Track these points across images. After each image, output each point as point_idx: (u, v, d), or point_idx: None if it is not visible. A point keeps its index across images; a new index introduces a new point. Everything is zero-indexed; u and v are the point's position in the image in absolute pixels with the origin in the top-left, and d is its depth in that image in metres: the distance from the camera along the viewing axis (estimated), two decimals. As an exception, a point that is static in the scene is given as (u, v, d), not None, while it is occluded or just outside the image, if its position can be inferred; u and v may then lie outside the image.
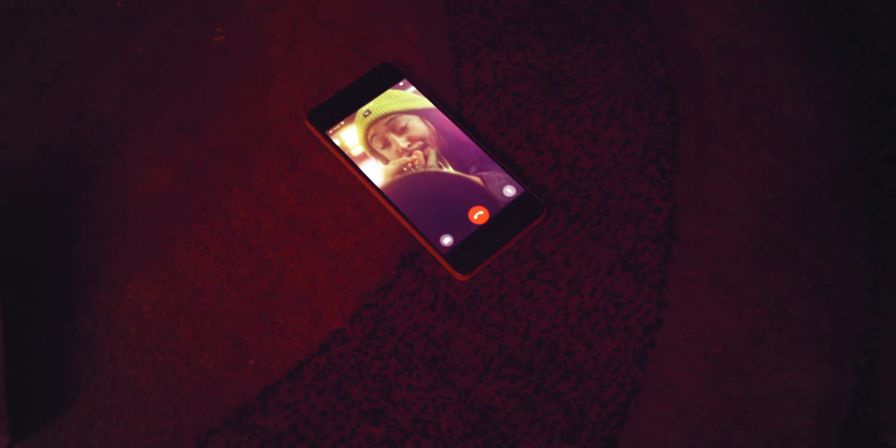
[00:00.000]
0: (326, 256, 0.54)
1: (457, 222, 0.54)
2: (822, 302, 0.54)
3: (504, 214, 0.55)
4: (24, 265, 0.53)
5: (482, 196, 0.55)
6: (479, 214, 0.55)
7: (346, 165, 0.57)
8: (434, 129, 0.58)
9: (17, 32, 0.62)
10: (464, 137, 0.57)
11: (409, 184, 0.56)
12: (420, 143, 0.57)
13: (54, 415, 0.49)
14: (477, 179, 0.56)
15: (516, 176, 0.57)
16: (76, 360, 0.51)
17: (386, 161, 0.56)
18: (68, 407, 0.50)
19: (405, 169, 0.56)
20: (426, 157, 0.57)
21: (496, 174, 0.56)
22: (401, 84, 0.60)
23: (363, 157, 0.57)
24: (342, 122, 0.58)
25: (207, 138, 0.58)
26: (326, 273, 0.54)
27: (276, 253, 0.54)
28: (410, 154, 0.57)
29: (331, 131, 0.58)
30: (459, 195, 0.55)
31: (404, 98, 0.59)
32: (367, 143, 0.57)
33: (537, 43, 0.62)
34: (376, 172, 0.56)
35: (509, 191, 0.56)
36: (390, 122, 0.58)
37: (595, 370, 0.51)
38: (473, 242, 0.54)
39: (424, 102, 0.59)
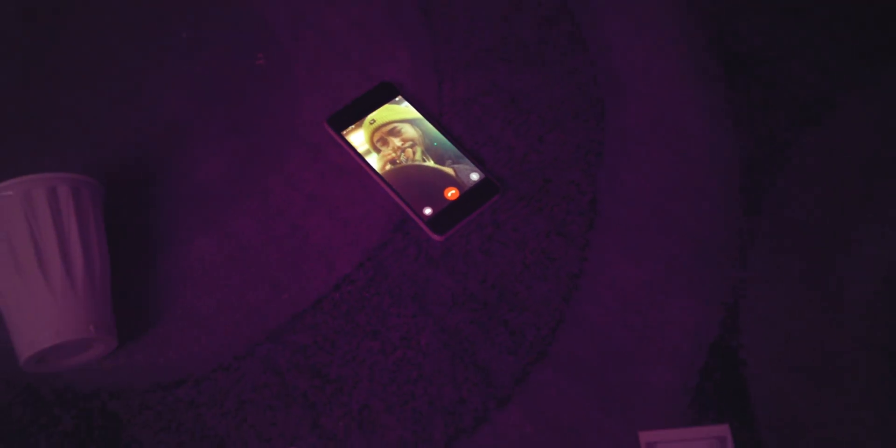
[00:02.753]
0: (340, 222, 0.77)
1: (435, 198, 0.77)
2: (703, 260, 0.76)
3: (470, 193, 0.77)
4: (119, 227, 0.76)
5: (454, 180, 0.78)
6: (451, 193, 0.77)
7: (354, 158, 0.80)
8: (421, 132, 0.81)
9: (108, 57, 0.85)
10: (442, 138, 0.80)
11: (402, 171, 0.78)
12: (410, 142, 0.80)
13: (141, 331, 0.72)
14: (450, 170, 0.79)
15: (480, 166, 0.79)
16: (159, 293, 0.73)
17: (385, 155, 0.79)
18: (153, 325, 0.72)
19: (398, 161, 0.79)
20: (414, 153, 0.79)
21: (465, 165, 0.79)
22: (397, 99, 0.83)
23: (368, 152, 0.79)
24: (353, 126, 0.81)
25: (251, 136, 0.81)
26: (339, 234, 0.76)
27: (302, 220, 0.77)
28: (403, 151, 0.79)
29: (344, 132, 0.81)
30: (437, 180, 0.78)
31: (399, 110, 0.82)
32: (372, 142, 0.80)
33: (501, 67, 0.85)
34: (378, 163, 0.79)
35: (474, 176, 0.78)
36: (389, 127, 0.81)
37: (532, 305, 0.74)
38: (447, 213, 0.76)
39: (414, 113, 0.82)
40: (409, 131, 0.80)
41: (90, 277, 0.66)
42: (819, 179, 0.79)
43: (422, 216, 0.76)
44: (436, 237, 0.75)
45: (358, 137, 0.80)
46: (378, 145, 0.79)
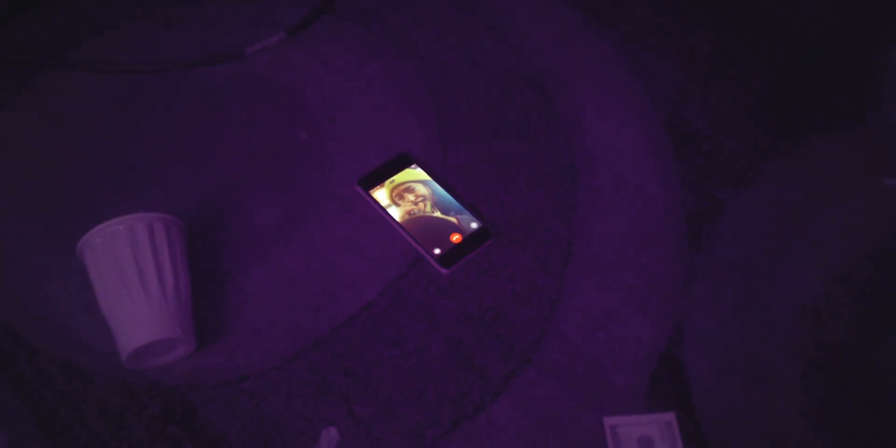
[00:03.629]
0: (367, 260, 0.98)
1: (442, 241, 0.99)
2: (655, 289, 0.97)
3: (470, 237, 0.99)
4: (197, 259, 0.97)
5: (457, 228, 1.00)
6: (455, 237, 1.00)
7: (378, 210, 1.02)
8: (431, 191, 1.03)
9: (185, 133, 1.09)
10: (447, 195, 1.03)
11: (416, 220, 1.00)
12: (422, 198, 1.03)
13: (212, 341, 0.92)
14: (454, 219, 1.01)
15: (478, 217, 1.02)
16: (227, 311, 0.94)
17: (403, 208, 1.02)
18: (222, 336, 0.93)
19: (413, 213, 1.01)
20: (425, 206, 1.02)
21: (466, 216, 1.01)
22: (412, 166, 1.06)
23: (389, 205, 1.02)
24: (377, 186, 1.04)
25: (296, 193, 1.04)
26: (366, 269, 0.98)
27: (337, 258, 0.99)
28: (417, 204, 1.02)
29: (371, 191, 1.03)
30: (444, 227, 1.00)
31: (414, 173, 1.05)
32: (392, 198, 1.03)
33: (494, 141, 1.09)
34: (397, 214, 1.01)
35: (473, 225, 1.01)
36: (405, 186, 1.04)
37: (519, 323, 0.94)
38: (452, 253, 0.98)
39: (425, 176, 1.05)
40: (422, 189, 1.03)
41: (177, 292, 0.87)
42: (748, 228, 1.01)
43: (432, 255, 0.97)
44: (443, 271, 0.97)
45: (381, 195, 1.02)
46: (397, 200, 1.02)
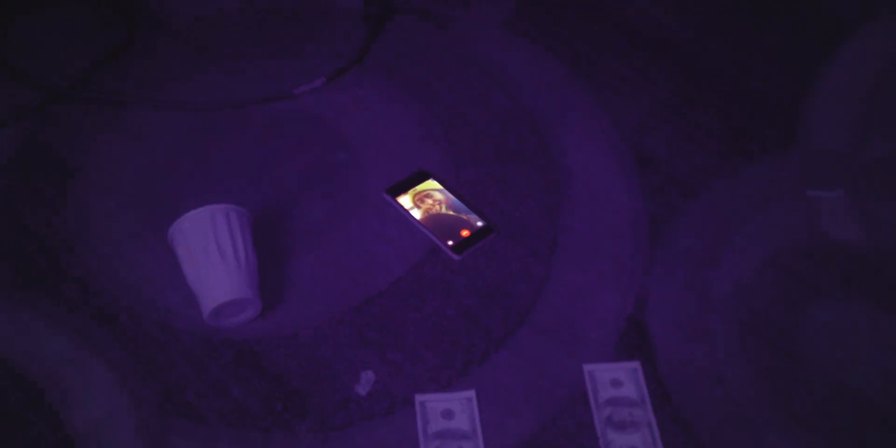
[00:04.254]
0: (395, 248, 1.25)
1: (455, 235, 1.26)
2: (624, 271, 1.24)
3: (476, 232, 1.27)
4: (262, 246, 1.24)
5: (467, 224, 1.28)
6: (464, 232, 1.27)
7: (402, 212, 1.30)
8: (445, 196, 1.31)
9: (248, 152, 1.37)
10: (458, 201, 1.31)
11: (433, 218, 1.28)
12: (438, 202, 1.31)
13: (273, 306, 1.18)
14: (464, 217, 1.29)
15: (482, 217, 1.29)
16: (285, 284, 1.20)
17: (423, 209, 1.29)
18: (281, 302, 1.19)
19: (430, 212, 1.29)
20: (440, 208, 1.30)
21: (473, 216, 1.29)
22: (429, 179, 1.34)
23: (412, 208, 1.30)
24: (402, 194, 1.32)
25: (338, 199, 1.31)
26: (396, 255, 1.24)
27: (372, 247, 1.25)
28: (433, 207, 1.30)
29: (396, 198, 1.31)
30: (456, 223, 1.28)
31: (431, 184, 1.33)
32: (414, 202, 1.31)
33: (494, 162, 1.38)
34: (418, 215, 1.29)
35: (479, 223, 1.28)
36: (425, 193, 1.32)
37: (516, 295, 1.20)
38: (462, 243, 1.25)
39: (440, 186, 1.33)
40: (438, 195, 1.31)
41: (247, 265, 1.14)
42: (696, 227, 1.29)
43: (446, 245, 1.25)
44: (455, 257, 1.24)
45: (405, 200, 1.30)
46: (418, 203, 1.30)
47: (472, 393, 1.09)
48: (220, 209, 1.15)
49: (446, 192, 1.30)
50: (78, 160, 1.34)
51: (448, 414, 1.07)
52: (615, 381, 1.12)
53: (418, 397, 1.08)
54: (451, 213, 1.28)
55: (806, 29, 1.59)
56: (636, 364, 1.13)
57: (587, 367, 1.13)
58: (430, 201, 1.29)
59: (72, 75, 1.43)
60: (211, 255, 1.12)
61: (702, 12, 1.60)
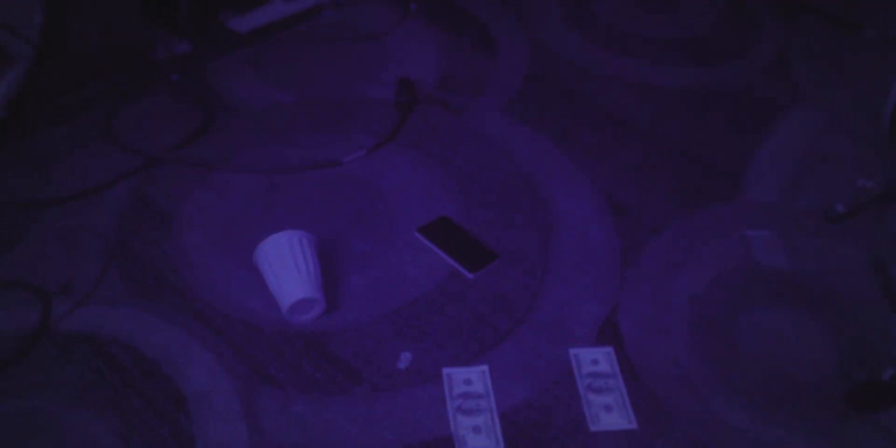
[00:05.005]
0: (428, 271, 1.65)
1: (468, 260, 1.66)
2: (601, 284, 1.62)
3: (485, 258, 1.67)
4: (322, 262, 1.63)
5: (478, 252, 1.67)
6: (476, 258, 1.67)
7: (428, 245, 1.70)
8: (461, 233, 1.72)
9: (308, 206, 1.78)
10: (471, 236, 1.71)
11: (452, 248, 1.68)
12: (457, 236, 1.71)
13: (332, 309, 1.56)
14: (477, 247, 1.68)
15: (489, 247, 1.69)
16: (343, 293, 1.59)
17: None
18: (338, 308, 1.57)
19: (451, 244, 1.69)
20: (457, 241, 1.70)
21: (483, 246, 1.69)
22: (448, 222, 1.75)
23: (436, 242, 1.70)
24: (428, 232, 1.72)
25: (378, 235, 1.71)
26: (428, 275, 1.63)
27: (411, 271, 1.65)
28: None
29: (425, 235, 1.71)
30: (469, 252, 1.67)
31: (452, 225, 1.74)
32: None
33: (498, 209, 1.78)
34: (440, 246, 1.69)
35: (487, 251, 1.68)
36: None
37: (517, 302, 1.59)
38: (474, 265, 1.65)
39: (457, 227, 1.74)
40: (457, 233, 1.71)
41: (315, 274, 1.53)
42: (658, 255, 1.68)
43: (464, 268, 1.64)
44: (469, 276, 1.63)
45: (430, 236, 1.70)
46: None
47: (485, 367, 1.45)
48: (294, 233, 1.55)
49: (462, 230, 1.71)
50: (175, 208, 1.74)
51: (468, 381, 1.43)
52: (594, 360, 1.48)
53: (445, 370, 1.45)
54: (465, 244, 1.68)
55: (744, 110, 2.03)
56: (610, 348, 1.50)
57: (573, 351, 1.50)
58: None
59: (169, 146, 1.86)
60: (287, 268, 1.51)
61: (660, 100, 2.05)
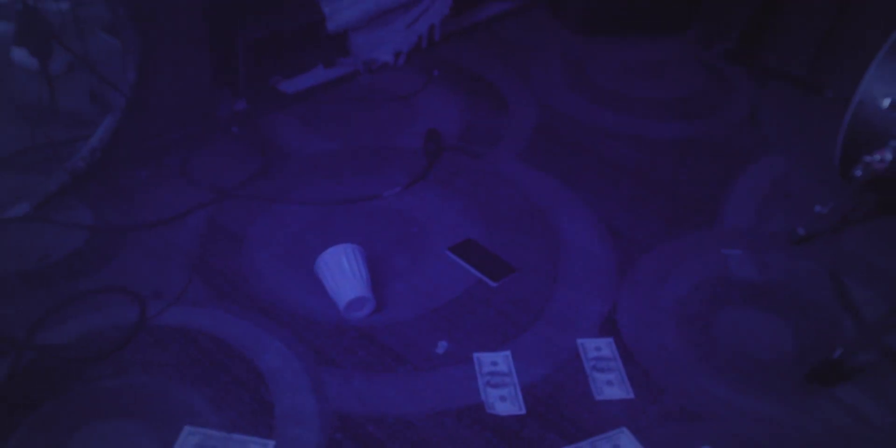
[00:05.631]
0: (454, 279, 2.00)
1: (492, 271, 2.01)
2: (600, 291, 1.97)
3: (505, 271, 2.02)
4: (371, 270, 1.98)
5: (500, 266, 2.03)
6: (498, 270, 2.02)
7: (457, 260, 2.05)
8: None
9: (356, 234, 2.14)
10: (493, 255, 2.06)
11: (477, 262, 2.03)
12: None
13: (380, 309, 1.90)
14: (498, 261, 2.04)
15: (510, 267, 2.04)
16: (388, 296, 1.93)
17: (471, 256, 2.05)
18: (385, 308, 1.91)
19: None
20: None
21: (502, 261, 2.04)
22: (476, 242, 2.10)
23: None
24: (458, 251, 2.08)
25: (415, 253, 2.07)
26: (459, 284, 1.98)
27: (439, 278, 1.99)
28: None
29: (453, 253, 2.07)
30: (492, 265, 2.03)
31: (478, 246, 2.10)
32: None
33: (514, 234, 2.14)
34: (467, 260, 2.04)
35: (507, 265, 2.03)
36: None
37: (534, 302, 1.93)
38: (496, 275, 2.00)
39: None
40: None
41: (366, 278, 1.88)
42: (648, 268, 2.03)
43: (486, 276, 1.99)
44: (492, 284, 1.98)
45: (459, 253, 2.06)
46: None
47: (508, 352, 1.79)
48: (349, 246, 1.90)
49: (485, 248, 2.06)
50: (243, 231, 2.10)
51: (494, 363, 1.76)
52: (597, 347, 1.82)
53: (476, 354, 1.78)
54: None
55: (721, 156, 2.41)
56: (610, 339, 1.84)
57: (580, 340, 1.83)
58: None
59: (235, 184, 2.23)
60: (344, 272, 1.86)
61: (650, 148, 2.43)
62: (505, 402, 1.67)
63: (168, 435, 1.59)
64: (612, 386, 1.71)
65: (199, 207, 2.14)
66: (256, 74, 2.58)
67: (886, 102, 1.91)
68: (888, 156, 1.86)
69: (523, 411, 1.66)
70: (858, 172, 1.90)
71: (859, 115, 1.96)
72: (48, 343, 1.75)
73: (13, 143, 2.28)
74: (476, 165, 2.35)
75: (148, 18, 2.10)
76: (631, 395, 1.70)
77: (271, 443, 1.58)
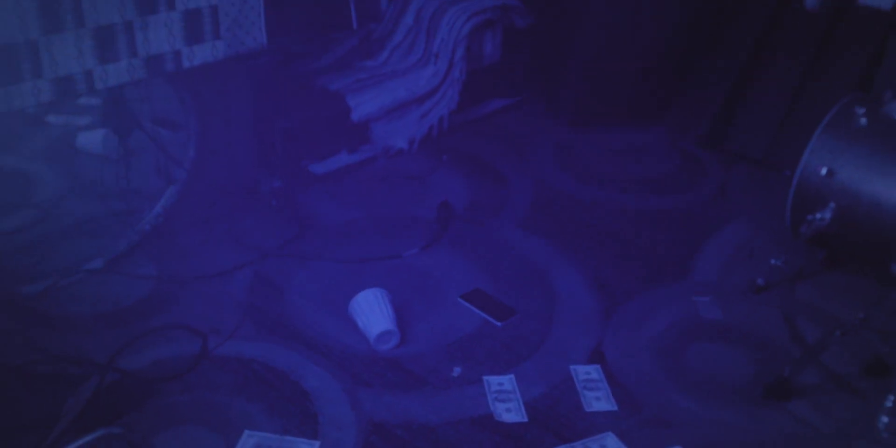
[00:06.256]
0: (466, 320, 2.39)
1: (497, 314, 2.40)
2: (588, 330, 2.35)
3: (507, 313, 2.41)
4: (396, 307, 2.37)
5: (503, 309, 2.42)
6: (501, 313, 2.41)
7: (469, 306, 2.44)
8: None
9: (382, 283, 2.55)
10: (498, 301, 2.46)
11: (485, 306, 2.43)
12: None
13: (404, 342, 2.28)
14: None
15: (512, 310, 2.44)
16: (410, 332, 2.31)
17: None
18: (408, 343, 2.29)
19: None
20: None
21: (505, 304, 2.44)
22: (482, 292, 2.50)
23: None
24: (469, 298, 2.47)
25: (433, 299, 2.46)
26: (467, 323, 2.37)
27: (453, 320, 2.38)
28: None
29: (464, 300, 2.47)
30: (497, 309, 2.42)
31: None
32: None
33: (515, 286, 2.54)
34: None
35: (509, 308, 2.43)
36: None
37: (532, 340, 2.31)
38: (501, 316, 2.39)
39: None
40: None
41: (392, 316, 2.27)
42: (629, 312, 2.43)
43: (492, 317, 2.38)
44: (498, 324, 2.37)
45: (469, 300, 2.46)
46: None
47: (512, 375, 2.16)
48: (378, 289, 2.30)
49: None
50: (285, 282, 2.50)
51: (500, 384, 2.13)
52: (587, 372, 2.19)
53: (485, 377, 2.15)
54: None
55: (693, 224, 2.84)
56: (598, 366, 2.21)
57: (572, 367, 2.20)
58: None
59: (276, 244, 2.65)
60: (374, 311, 2.25)
61: (631, 218, 2.86)
62: (510, 412, 2.03)
63: (231, 438, 1.94)
64: (599, 400, 2.08)
65: (246, 264, 2.54)
66: (290, 157, 3.03)
67: (823, 171, 2.34)
68: (827, 215, 2.29)
69: (526, 419, 2.02)
70: (804, 229, 2.32)
71: (803, 182, 2.39)
72: (126, 368, 2.12)
73: (82, 213, 2.72)
74: (482, 232, 2.77)
75: (207, 107, 2.56)
76: (615, 408, 2.06)
77: (317, 443, 1.94)
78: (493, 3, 3.31)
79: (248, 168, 2.84)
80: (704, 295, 2.48)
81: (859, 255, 2.47)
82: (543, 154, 3.27)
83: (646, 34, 3.29)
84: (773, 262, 2.46)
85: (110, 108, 2.56)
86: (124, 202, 2.73)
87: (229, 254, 2.59)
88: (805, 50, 3.10)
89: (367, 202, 2.91)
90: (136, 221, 2.57)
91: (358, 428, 1.98)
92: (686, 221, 2.85)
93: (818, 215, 2.32)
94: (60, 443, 1.81)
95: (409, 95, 3.22)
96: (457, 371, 2.16)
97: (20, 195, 2.88)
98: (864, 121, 2.35)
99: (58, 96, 2.17)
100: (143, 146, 2.78)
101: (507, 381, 2.13)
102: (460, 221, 2.81)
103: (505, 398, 2.07)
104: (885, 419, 1.98)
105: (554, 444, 1.95)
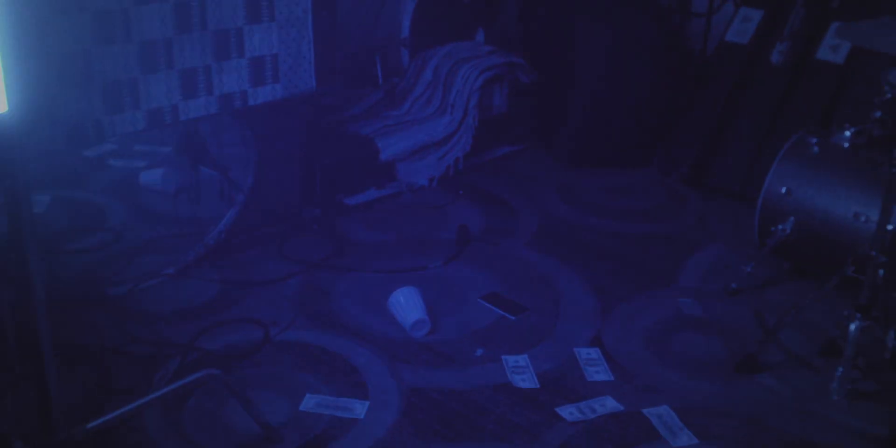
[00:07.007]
0: (487, 316, 2.86)
1: (510, 309, 2.88)
2: (588, 325, 2.83)
3: (520, 310, 2.88)
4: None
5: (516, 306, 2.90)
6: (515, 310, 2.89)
7: (488, 305, 2.92)
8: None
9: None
10: (512, 300, 2.94)
11: (501, 305, 2.91)
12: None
13: (433, 332, 2.75)
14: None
15: (524, 307, 2.91)
16: (437, 327, 2.78)
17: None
18: (436, 332, 2.75)
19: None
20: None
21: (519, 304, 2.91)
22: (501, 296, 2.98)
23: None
24: (489, 300, 2.95)
25: (457, 303, 2.94)
26: (486, 319, 2.84)
27: (474, 315, 2.85)
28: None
29: (484, 301, 2.94)
30: (510, 306, 2.90)
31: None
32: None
33: (529, 296, 3.02)
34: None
35: (522, 308, 2.90)
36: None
37: (540, 333, 2.78)
38: (514, 311, 2.86)
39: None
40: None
41: (424, 308, 2.74)
42: (620, 314, 2.90)
43: (507, 314, 2.86)
44: (512, 317, 2.84)
45: (488, 300, 2.94)
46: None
47: (526, 356, 2.63)
48: (412, 287, 2.78)
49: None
50: (330, 287, 2.97)
51: (516, 361, 2.60)
52: (588, 353, 2.65)
53: (503, 356, 2.62)
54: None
55: (677, 245, 3.33)
56: (598, 348, 2.67)
57: (576, 349, 2.67)
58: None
59: (320, 259, 3.13)
60: (409, 303, 2.72)
61: (623, 240, 3.36)
62: (525, 381, 2.49)
63: (295, 399, 2.39)
64: (598, 373, 2.54)
65: (295, 274, 3.03)
66: (327, 191, 3.54)
67: (783, 189, 2.85)
68: (788, 226, 2.79)
69: (538, 386, 2.47)
70: (770, 240, 2.82)
71: (767, 200, 2.90)
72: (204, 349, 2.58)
73: (149, 236, 3.22)
74: (496, 250, 3.26)
75: (263, 141, 3.09)
76: (612, 378, 2.52)
77: (367, 402, 2.39)
78: (501, 60, 3.87)
79: (293, 197, 3.34)
80: (687, 297, 2.95)
81: (818, 262, 2.95)
82: (547, 190, 3.78)
83: (634, 89, 3.85)
84: (746, 269, 2.94)
85: (184, 139, 3.08)
86: (186, 227, 3.22)
87: (280, 266, 3.07)
88: (772, 98, 3.64)
89: (395, 227, 3.41)
90: (202, 238, 3.05)
91: (400, 392, 2.43)
92: (670, 243, 3.34)
93: (780, 227, 2.82)
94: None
95: (429, 139, 3.74)
96: (479, 351, 2.62)
97: (94, 221, 3.38)
98: (816, 149, 2.87)
99: (149, 125, 2.67)
100: (204, 178, 3.29)
101: (521, 360, 2.59)
102: (477, 242, 3.30)
103: (521, 371, 2.53)
104: (835, 385, 2.43)
105: (563, 403, 2.40)
